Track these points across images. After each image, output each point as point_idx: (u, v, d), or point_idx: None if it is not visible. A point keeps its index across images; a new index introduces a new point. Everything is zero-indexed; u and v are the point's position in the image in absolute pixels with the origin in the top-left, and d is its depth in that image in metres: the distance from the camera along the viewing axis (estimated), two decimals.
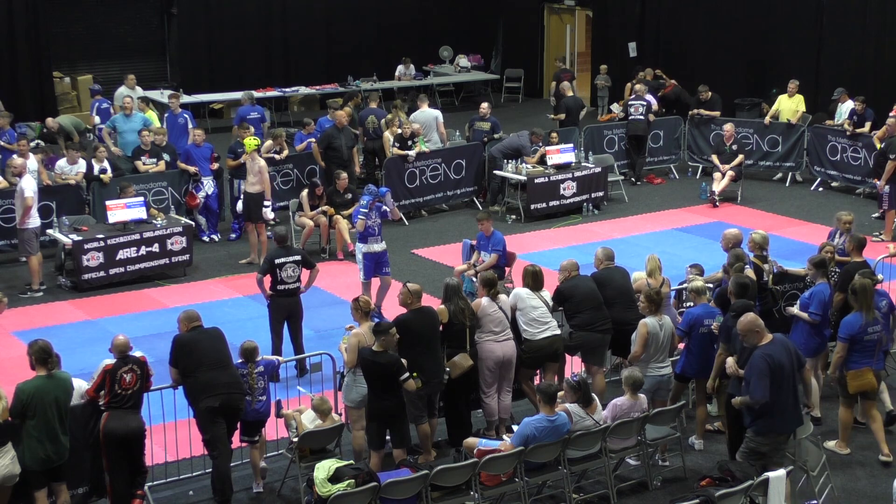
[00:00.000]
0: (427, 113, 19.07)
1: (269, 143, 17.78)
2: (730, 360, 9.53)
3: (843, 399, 10.52)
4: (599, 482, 9.89)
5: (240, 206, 16.41)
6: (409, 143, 18.06)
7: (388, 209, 13.82)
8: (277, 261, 12.00)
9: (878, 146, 17.69)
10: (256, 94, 24.41)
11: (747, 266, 11.30)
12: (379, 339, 9.55)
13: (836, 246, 12.19)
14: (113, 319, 13.91)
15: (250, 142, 15.72)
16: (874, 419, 10.48)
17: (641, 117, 20.12)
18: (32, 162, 15.60)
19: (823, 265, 11.01)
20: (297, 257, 12.15)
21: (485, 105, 19.70)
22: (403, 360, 9.63)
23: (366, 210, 13.40)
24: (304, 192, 16.34)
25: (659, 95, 21.50)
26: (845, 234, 12.35)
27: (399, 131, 18.13)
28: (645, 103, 20.18)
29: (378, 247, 13.48)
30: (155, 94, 23.04)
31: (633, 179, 20.25)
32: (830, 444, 10.62)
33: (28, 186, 14.53)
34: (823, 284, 10.89)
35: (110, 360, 9.14)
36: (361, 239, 13.48)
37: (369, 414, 9.73)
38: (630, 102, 20.35)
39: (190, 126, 18.51)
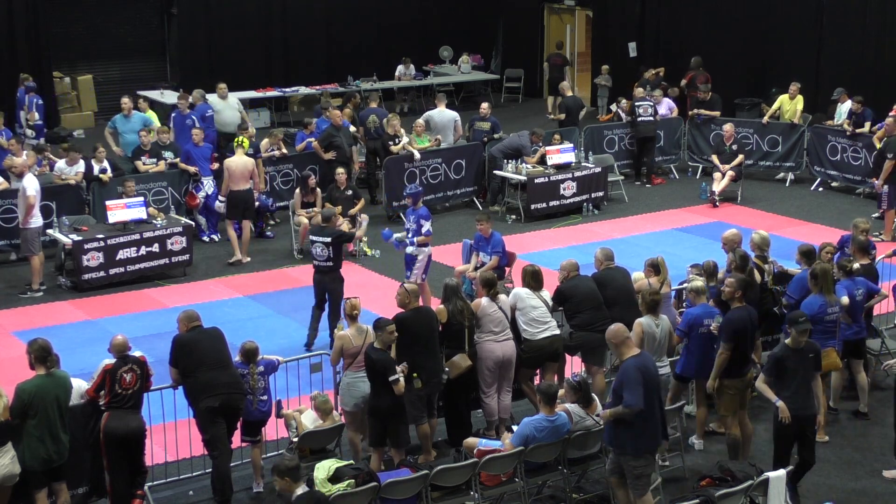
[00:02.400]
0: (445, 114, 19.06)
1: (265, 141, 17.84)
2: (782, 405, 9.34)
3: None
4: (599, 482, 9.89)
5: (220, 206, 16.46)
6: (395, 139, 18.12)
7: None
8: (310, 237, 13.00)
9: (877, 146, 17.70)
10: (256, 93, 24.57)
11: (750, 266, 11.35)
12: (376, 335, 9.57)
13: (845, 251, 12.20)
14: (113, 319, 13.91)
15: (242, 140, 16.08)
16: (832, 392, 11.03)
17: (651, 118, 20.12)
18: (27, 160, 15.57)
19: (809, 254, 11.34)
20: (327, 238, 12.70)
21: (485, 105, 19.71)
22: (403, 366, 9.65)
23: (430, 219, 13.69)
24: (297, 191, 16.37)
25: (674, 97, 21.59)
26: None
27: (390, 131, 18.21)
28: (652, 104, 20.20)
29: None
30: (155, 95, 23.07)
31: (643, 182, 20.16)
32: None
33: (30, 185, 14.53)
34: (805, 270, 11.16)
35: (110, 360, 9.14)
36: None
37: (369, 410, 9.74)
38: (637, 103, 20.29)
39: (198, 125, 18.54)
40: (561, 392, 9.74)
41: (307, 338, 12.88)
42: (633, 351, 8.93)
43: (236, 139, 16.24)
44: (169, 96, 22.54)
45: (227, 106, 19.05)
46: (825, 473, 10.14)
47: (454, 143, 18.99)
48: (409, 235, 13.59)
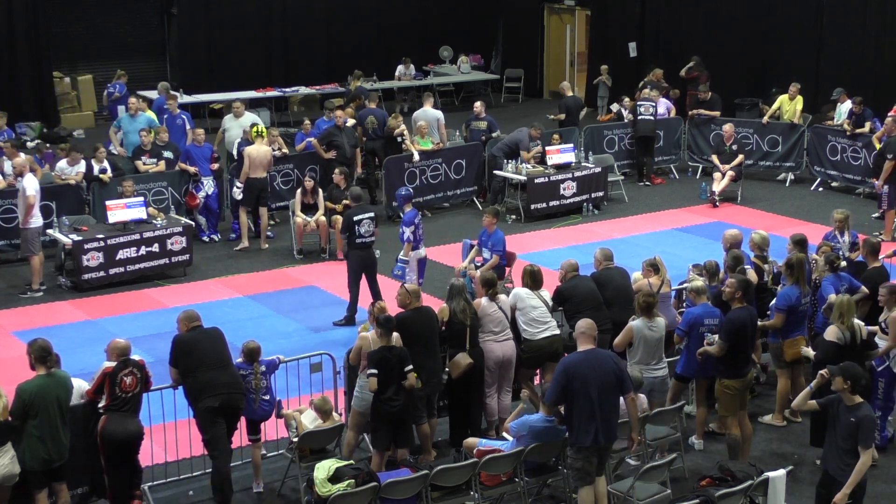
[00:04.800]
0: (429, 113, 19.08)
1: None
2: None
3: (780, 370, 11.01)
4: None
5: (237, 192, 16.66)
6: (399, 139, 18.22)
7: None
8: (355, 218, 13.44)
9: (877, 146, 17.71)
10: (256, 93, 24.61)
11: (748, 267, 11.38)
12: (388, 334, 9.55)
13: (835, 246, 12.32)
14: (113, 319, 13.91)
15: (261, 129, 16.81)
16: (799, 387, 10.78)
17: (651, 117, 20.12)
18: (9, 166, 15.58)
19: (802, 243, 11.62)
20: (372, 214, 13.65)
21: (478, 104, 19.74)
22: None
23: (412, 225, 13.69)
24: (298, 192, 16.41)
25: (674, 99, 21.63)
26: (844, 234, 12.61)
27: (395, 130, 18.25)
28: (654, 104, 20.21)
29: (424, 252, 13.97)
30: (154, 95, 23.04)
31: (644, 182, 20.13)
32: (766, 418, 11.09)
33: (30, 185, 14.53)
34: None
35: (110, 363, 9.11)
36: (414, 247, 13.71)
37: (378, 416, 9.64)
38: (639, 103, 20.30)
39: (188, 127, 18.58)
40: None
41: (347, 315, 13.64)
42: (583, 346, 8.90)
43: (255, 128, 16.78)
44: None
45: (238, 125, 17.89)
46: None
47: (441, 142, 18.95)
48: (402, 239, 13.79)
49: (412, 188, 18.04)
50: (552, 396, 8.89)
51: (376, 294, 13.44)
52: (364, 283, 13.69)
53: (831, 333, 9.96)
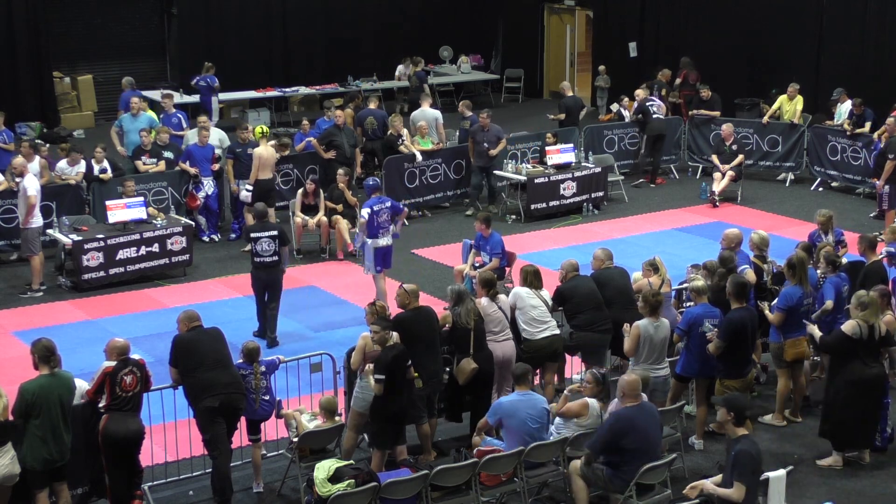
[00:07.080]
0: (427, 113, 19.06)
1: (272, 142, 17.84)
2: None
3: (780, 370, 10.97)
4: None
5: (244, 195, 16.57)
6: (399, 141, 18.19)
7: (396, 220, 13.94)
8: (253, 234, 12.94)
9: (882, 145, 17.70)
10: (256, 93, 24.59)
11: (747, 267, 11.39)
12: (390, 332, 9.57)
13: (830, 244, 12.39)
14: (113, 319, 13.91)
15: (260, 130, 16.86)
16: (799, 387, 11.04)
17: (662, 115, 20.12)
18: (35, 165, 15.57)
19: (808, 251, 11.56)
20: (274, 232, 12.94)
21: (463, 104, 19.78)
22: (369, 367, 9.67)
23: (371, 210, 13.53)
24: (299, 192, 16.42)
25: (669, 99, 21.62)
26: (829, 233, 12.88)
27: (393, 132, 18.23)
28: (660, 102, 20.22)
29: (384, 241, 13.60)
30: (155, 95, 23.06)
31: (651, 185, 20.08)
32: (767, 417, 11.05)
33: (30, 185, 14.54)
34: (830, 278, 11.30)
35: (110, 363, 9.12)
36: (371, 234, 13.56)
37: (381, 416, 9.62)
38: (648, 102, 20.25)
39: (184, 125, 18.57)
40: (575, 386, 9.77)
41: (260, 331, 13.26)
42: (628, 402, 8.97)
43: (258, 128, 16.89)
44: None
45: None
46: (825, 473, 10.15)
47: (440, 142, 18.94)
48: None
49: (412, 188, 18.13)
50: (594, 444, 8.93)
51: (270, 320, 13.13)
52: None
53: (848, 327, 9.95)
